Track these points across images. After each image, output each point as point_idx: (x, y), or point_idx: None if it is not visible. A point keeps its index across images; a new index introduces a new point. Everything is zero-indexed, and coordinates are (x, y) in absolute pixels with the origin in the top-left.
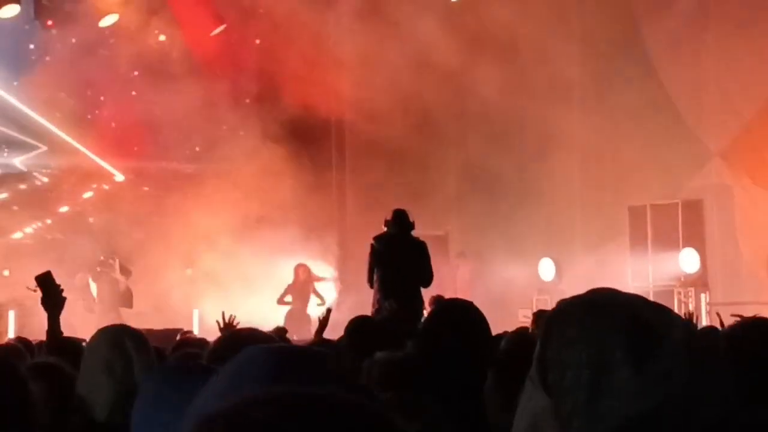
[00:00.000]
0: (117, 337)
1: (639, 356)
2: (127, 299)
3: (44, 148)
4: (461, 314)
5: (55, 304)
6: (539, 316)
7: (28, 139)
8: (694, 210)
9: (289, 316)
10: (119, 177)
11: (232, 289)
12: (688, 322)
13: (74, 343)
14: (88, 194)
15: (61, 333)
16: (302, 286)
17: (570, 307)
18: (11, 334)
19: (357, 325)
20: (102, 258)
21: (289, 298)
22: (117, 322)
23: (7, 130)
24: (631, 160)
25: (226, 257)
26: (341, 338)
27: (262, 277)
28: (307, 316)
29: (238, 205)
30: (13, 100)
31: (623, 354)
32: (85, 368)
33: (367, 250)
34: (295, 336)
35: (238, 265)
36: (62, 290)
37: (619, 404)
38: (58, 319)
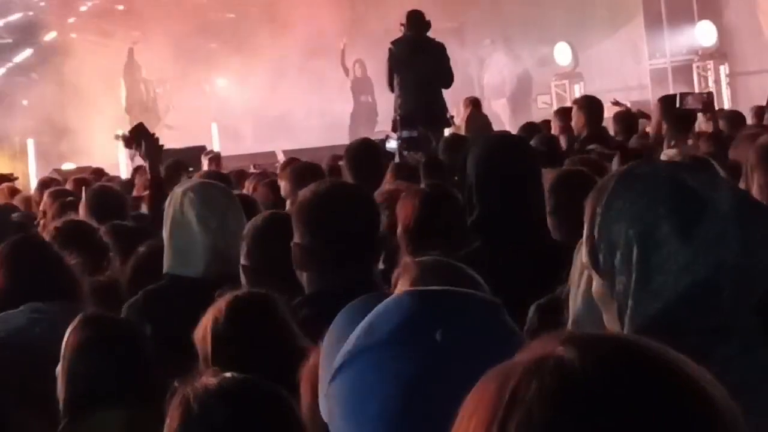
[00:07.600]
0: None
1: (685, 225)
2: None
3: None
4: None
5: (155, 152)
6: (561, 113)
7: None
8: None
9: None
10: None
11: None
12: (735, 188)
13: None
14: None
15: (161, 179)
16: (363, 80)
17: (610, 183)
18: None
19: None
20: None
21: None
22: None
23: None
24: None
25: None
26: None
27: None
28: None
29: None
30: None
31: (669, 225)
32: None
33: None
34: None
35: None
36: (157, 138)
37: (672, 278)
38: (159, 166)
